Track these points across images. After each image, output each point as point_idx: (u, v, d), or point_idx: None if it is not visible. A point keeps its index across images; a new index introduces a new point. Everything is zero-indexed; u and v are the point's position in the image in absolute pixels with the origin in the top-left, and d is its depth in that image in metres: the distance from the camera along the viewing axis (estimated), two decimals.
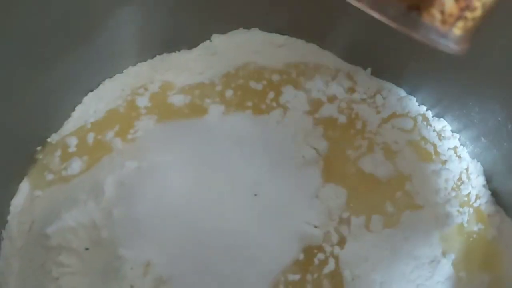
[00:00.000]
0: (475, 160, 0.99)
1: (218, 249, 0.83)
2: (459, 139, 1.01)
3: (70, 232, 0.84)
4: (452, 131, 1.02)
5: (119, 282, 0.79)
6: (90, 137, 0.93)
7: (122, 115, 0.95)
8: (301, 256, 0.86)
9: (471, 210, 0.93)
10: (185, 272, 0.82)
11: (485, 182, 0.96)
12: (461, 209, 0.93)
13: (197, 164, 0.90)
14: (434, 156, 0.96)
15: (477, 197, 0.94)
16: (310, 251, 0.86)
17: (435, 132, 0.99)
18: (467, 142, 1.00)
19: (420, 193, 0.91)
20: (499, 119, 0.88)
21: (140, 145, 0.93)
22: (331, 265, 0.85)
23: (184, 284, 0.82)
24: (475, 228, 0.91)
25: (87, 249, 0.84)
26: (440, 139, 0.99)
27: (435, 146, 0.99)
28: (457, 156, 0.98)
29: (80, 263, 0.84)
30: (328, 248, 0.87)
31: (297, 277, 0.84)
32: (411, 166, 0.94)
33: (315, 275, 0.84)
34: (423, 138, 0.98)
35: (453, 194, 0.94)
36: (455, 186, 0.94)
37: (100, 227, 0.84)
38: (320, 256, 0.86)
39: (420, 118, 1.00)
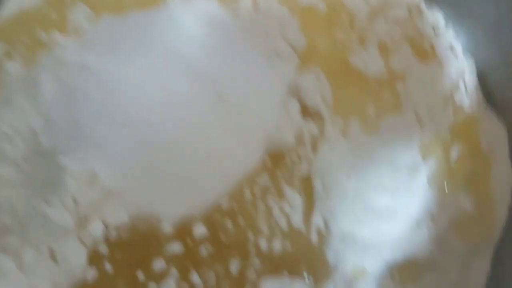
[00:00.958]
0: (470, 58, 0.90)
1: (174, 158, 0.77)
2: (454, 34, 0.91)
3: (4, 140, 0.77)
4: (447, 26, 0.93)
5: (60, 195, 0.73)
6: (26, 30, 0.81)
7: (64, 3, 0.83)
8: (269, 162, 0.79)
9: (461, 116, 0.85)
10: (136, 183, 0.76)
11: (477, 83, 0.89)
12: (450, 115, 0.84)
13: (151, 61, 0.80)
14: (430, 54, 0.89)
15: (469, 101, 0.86)
16: (280, 155, 0.81)
17: (431, 27, 0.90)
18: (462, 37, 0.92)
19: (410, 95, 0.84)
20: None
21: (86, 40, 0.81)
22: (303, 170, 0.80)
23: (135, 196, 0.75)
24: (463, 137, 0.84)
25: (24, 158, 0.75)
26: (436, 35, 0.89)
27: (431, 42, 0.91)
28: (453, 55, 0.89)
29: (18, 174, 0.77)
30: (301, 152, 0.81)
31: (263, 181, 0.78)
32: (405, 64, 0.86)
33: (285, 178, 0.80)
34: (419, 33, 0.88)
35: (444, 97, 0.86)
36: (448, 88, 0.86)
37: (38, 134, 0.75)
38: (292, 159, 0.81)
39: (414, 9, 0.90)
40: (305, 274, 0.78)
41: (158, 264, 0.74)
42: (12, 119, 0.77)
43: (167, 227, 0.74)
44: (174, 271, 0.74)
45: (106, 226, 0.74)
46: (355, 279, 0.77)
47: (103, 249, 0.74)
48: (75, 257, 0.73)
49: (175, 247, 0.74)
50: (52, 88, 0.79)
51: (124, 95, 0.78)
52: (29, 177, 0.76)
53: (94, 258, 0.74)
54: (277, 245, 0.77)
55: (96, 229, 0.74)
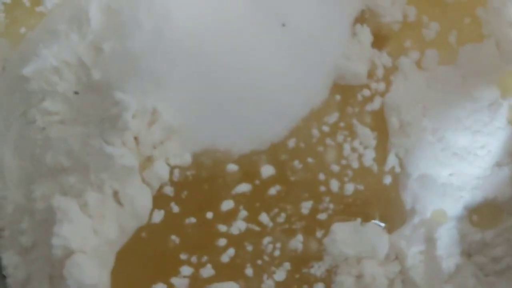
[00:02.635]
0: None
1: (235, 90, 0.79)
2: None
3: (52, 73, 0.79)
4: None
5: (120, 133, 0.75)
6: None
7: None
8: (338, 97, 0.80)
9: None
10: (198, 121, 0.79)
11: None
12: None
13: None
14: None
15: None
16: (350, 89, 0.82)
17: None
18: None
19: (492, 22, 0.83)
20: None
21: None
22: (375, 105, 0.81)
23: (198, 134, 0.79)
24: None
25: (76, 93, 0.78)
26: None
27: None
28: None
29: (70, 110, 0.80)
30: (373, 85, 0.82)
31: (332, 118, 0.80)
32: None
33: (356, 114, 0.81)
34: None
35: None
36: None
37: (89, 66, 0.77)
38: (363, 94, 0.82)
39: None
40: (378, 217, 0.78)
41: (226, 205, 0.77)
42: (59, 52, 0.79)
43: (233, 167, 0.76)
44: (243, 212, 0.78)
45: (170, 166, 0.77)
46: (435, 223, 0.79)
47: (169, 190, 0.78)
48: (140, 199, 0.76)
49: (243, 187, 0.78)
50: (100, 16, 0.79)
51: (179, 23, 0.79)
52: (84, 114, 0.79)
53: (160, 200, 0.77)
54: (349, 186, 0.80)
55: (160, 169, 0.77)
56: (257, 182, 0.78)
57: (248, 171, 0.78)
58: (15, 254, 0.80)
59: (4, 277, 0.81)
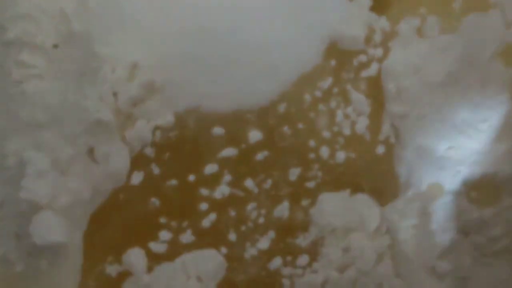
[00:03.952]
0: None
1: (224, 49, 0.81)
2: None
3: (31, 23, 0.80)
4: None
5: (98, 87, 0.77)
6: None
7: None
8: (333, 61, 0.82)
9: None
10: (183, 78, 0.80)
11: None
12: None
13: None
14: None
15: None
16: (345, 54, 0.84)
17: None
18: None
19: None
20: None
21: None
22: (372, 72, 0.82)
23: (183, 92, 0.80)
24: None
25: (55, 46, 0.80)
26: None
27: None
28: None
29: (48, 64, 0.81)
30: (370, 51, 0.83)
31: (326, 83, 0.81)
32: None
33: (351, 80, 0.83)
34: None
35: None
36: None
37: (70, 18, 0.79)
38: (359, 59, 0.84)
39: None
40: (369, 189, 0.80)
41: (210, 169, 0.79)
42: (39, 0, 0.79)
43: (219, 130, 0.79)
44: (227, 177, 0.79)
45: (151, 125, 0.78)
46: (430, 197, 0.81)
47: (149, 151, 0.80)
48: (117, 158, 0.78)
49: (229, 152, 0.80)
50: None
51: None
52: (62, 68, 0.81)
53: (140, 161, 0.79)
54: (340, 154, 0.82)
55: (141, 130, 0.79)
56: (243, 146, 0.80)
57: (235, 135, 0.80)
58: None
59: None
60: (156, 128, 0.79)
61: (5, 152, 0.78)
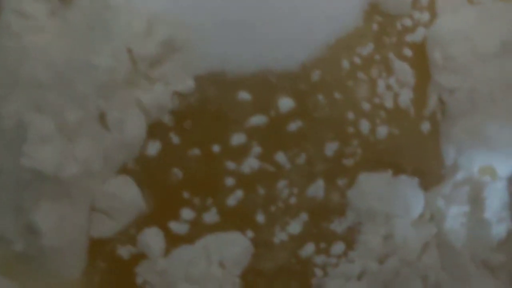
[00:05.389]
0: None
1: (251, 6, 0.78)
2: None
3: None
4: None
5: (111, 43, 0.74)
6: None
7: None
8: (374, 26, 0.81)
9: None
10: (205, 36, 0.77)
11: None
12: None
13: None
14: None
15: None
16: (388, 18, 0.82)
17: None
18: None
19: None
20: None
21: None
22: (417, 36, 0.81)
23: (203, 51, 0.77)
24: None
25: None
26: None
27: None
28: None
29: (52, 18, 0.78)
30: (415, 15, 0.82)
31: (366, 49, 0.80)
32: None
33: (394, 47, 0.81)
34: None
35: None
36: None
37: None
38: (403, 24, 0.82)
39: None
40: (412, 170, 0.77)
41: (237, 139, 0.76)
42: None
43: (245, 95, 0.75)
44: (256, 149, 0.76)
45: (169, 90, 0.76)
46: (482, 181, 0.79)
47: (167, 119, 0.76)
48: (132, 126, 0.75)
49: (257, 120, 0.76)
50: None
51: None
52: (68, 22, 0.77)
53: (155, 129, 0.76)
54: (381, 129, 0.79)
55: (157, 93, 0.75)
56: (273, 114, 0.77)
57: (263, 101, 0.77)
58: None
59: None
60: (175, 93, 0.76)
61: (2, 113, 0.74)
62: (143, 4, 0.76)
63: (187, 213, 0.75)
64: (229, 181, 0.75)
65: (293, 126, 0.77)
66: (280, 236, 0.76)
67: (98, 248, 0.74)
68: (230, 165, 0.75)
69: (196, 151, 0.75)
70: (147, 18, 0.76)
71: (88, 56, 0.74)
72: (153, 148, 0.75)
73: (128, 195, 0.74)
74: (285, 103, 0.77)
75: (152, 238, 0.74)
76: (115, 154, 0.74)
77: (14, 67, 0.75)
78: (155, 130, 0.76)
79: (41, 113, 0.73)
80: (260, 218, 0.76)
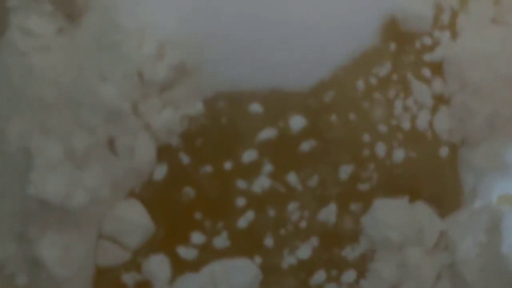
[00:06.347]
0: None
1: (265, 25, 0.80)
2: None
3: None
4: None
5: (121, 66, 0.76)
6: None
7: None
8: (391, 44, 0.81)
9: None
10: (216, 57, 0.79)
11: None
12: None
13: None
14: None
15: None
16: (407, 37, 0.83)
17: None
18: None
19: None
20: None
21: None
22: (436, 55, 0.82)
23: (214, 74, 0.79)
24: None
25: (68, 14, 0.81)
26: None
27: None
28: None
29: (57, 35, 0.81)
30: (435, 33, 0.83)
31: (383, 68, 0.80)
32: None
33: (412, 66, 0.82)
34: None
35: None
36: None
37: None
38: (422, 42, 0.83)
39: None
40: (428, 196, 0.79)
41: (249, 155, 0.78)
42: None
43: (257, 107, 0.78)
44: (268, 167, 0.78)
45: (179, 114, 0.78)
46: (502, 211, 0.79)
47: (175, 141, 0.78)
48: (142, 151, 0.77)
49: (268, 133, 0.78)
50: None
51: None
52: (76, 42, 0.80)
53: (164, 152, 0.78)
54: (398, 152, 0.81)
55: (169, 119, 0.78)
56: (285, 132, 0.78)
57: (275, 115, 0.79)
58: None
59: None
60: (184, 117, 0.78)
61: (6, 135, 0.77)
62: (153, 25, 0.78)
63: (197, 237, 0.77)
64: (240, 201, 0.77)
65: (306, 145, 0.78)
66: (288, 260, 0.78)
67: (102, 276, 0.77)
68: (242, 184, 0.77)
69: (207, 169, 0.77)
70: (158, 41, 0.77)
71: (97, 79, 0.76)
72: (161, 171, 0.77)
73: (137, 218, 0.76)
74: (297, 121, 0.79)
75: (158, 265, 0.76)
76: (124, 180, 0.76)
77: (19, 86, 0.78)
78: (163, 153, 0.77)
79: (48, 137, 0.75)
80: (269, 241, 0.78)
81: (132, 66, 0.76)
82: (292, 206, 0.78)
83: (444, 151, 0.82)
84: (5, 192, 0.76)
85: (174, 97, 0.78)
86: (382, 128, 0.80)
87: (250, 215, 0.77)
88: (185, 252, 0.77)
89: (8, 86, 0.80)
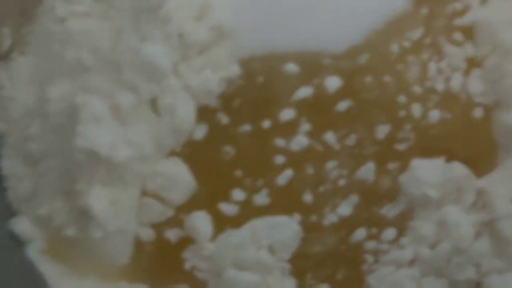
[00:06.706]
0: None
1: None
2: None
3: None
4: None
5: (161, 27, 0.79)
6: None
7: None
8: (424, 10, 0.84)
9: None
10: (253, 20, 0.82)
11: None
12: None
13: None
14: None
15: None
16: (438, 1, 0.86)
17: None
18: None
19: None
20: None
21: None
22: (467, 21, 0.85)
23: (250, 37, 0.82)
24: None
25: None
26: None
27: None
28: None
29: (94, 0, 0.83)
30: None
31: (416, 33, 0.83)
32: None
33: (443, 30, 0.85)
34: None
35: None
36: None
37: None
38: (454, 6, 0.86)
39: None
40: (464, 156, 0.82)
41: (286, 114, 0.80)
42: None
43: (292, 66, 0.80)
44: (305, 125, 0.80)
45: (217, 76, 0.80)
46: None
47: (214, 102, 0.81)
48: (182, 110, 0.79)
49: (305, 91, 0.80)
50: None
51: None
52: (115, 7, 0.82)
53: (205, 113, 0.81)
54: (433, 113, 0.83)
55: (205, 78, 0.80)
56: (321, 92, 0.81)
57: (310, 74, 0.81)
58: (20, 164, 0.82)
59: (4, 189, 0.83)
60: (221, 79, 0.80)
61: (47, 97, 0.80)
62: None
63: (238, 194, 0.79)
64: (279, 159, 0.80)
65: (342, 105, 0.81)
66: (330, 218, 0.80)
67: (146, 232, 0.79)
68: (280, 142, 0.80)
69: (246, 128, 0.80)
70: (199, 3, 0.80)
71: (137, 41, 0.79)
72: (201, 130, 0.80)
73: (179, 176, 0.79)
74: (333, 82, 0.81)
75: (200, 221, 0.79)
76: (166, 139, 0.79)
77: (58, 51, 0.81)
78: (202, 113, 0.80)
79: (91, 95, 0.77)
80: (309, 199, 0.79)
81: (173, 27, 0.78)
82: (330, 164, 0.80)
83: (478, 113, 0.84)
84: (51, 151, 0.79)
85: (212, 59, 0.81)
86: (417, 89, 0.82)
87: (288, 173, 0.79)
88: (227, 209, 0.79)
89: (48, 51, 0.82)
